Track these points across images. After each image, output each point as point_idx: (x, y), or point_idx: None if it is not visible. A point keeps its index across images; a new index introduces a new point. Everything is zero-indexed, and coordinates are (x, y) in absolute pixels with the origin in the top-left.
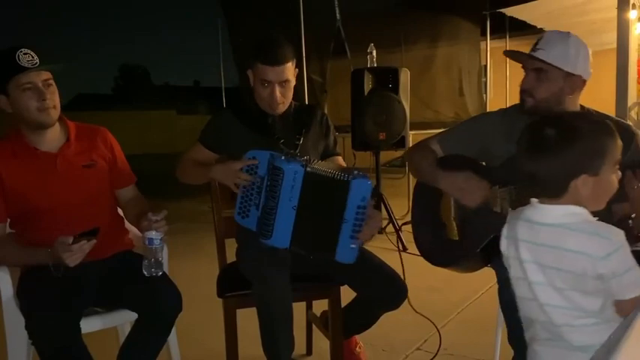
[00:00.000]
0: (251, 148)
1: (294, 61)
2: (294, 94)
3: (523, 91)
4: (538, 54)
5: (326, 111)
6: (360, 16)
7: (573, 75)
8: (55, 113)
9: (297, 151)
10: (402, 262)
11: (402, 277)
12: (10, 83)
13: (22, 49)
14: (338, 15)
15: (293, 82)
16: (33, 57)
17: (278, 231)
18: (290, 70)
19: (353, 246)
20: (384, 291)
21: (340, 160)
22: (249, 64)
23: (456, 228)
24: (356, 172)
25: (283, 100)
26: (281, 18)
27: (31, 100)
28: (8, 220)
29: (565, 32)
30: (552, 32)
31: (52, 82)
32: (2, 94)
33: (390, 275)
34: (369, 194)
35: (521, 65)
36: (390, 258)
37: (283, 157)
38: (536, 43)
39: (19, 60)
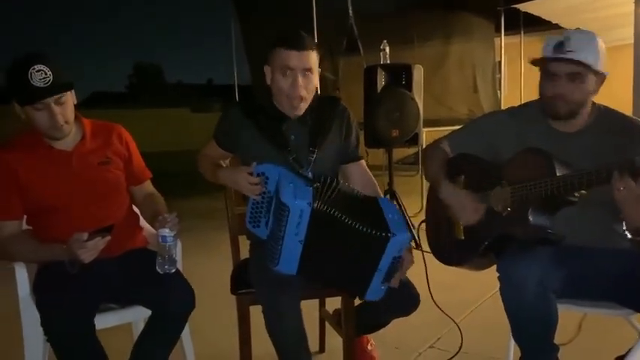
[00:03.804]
0: (260, 155)
1: (317, 52)
2: None
3: (556, 97)
4: (574, 56)
5: None
6: (372, 13)
7: (601, 74)
8: (68, 128)
9: (310, 167)
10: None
11: (413, 283)
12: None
13: (35, 66)
14: (350, 12)
15: (315, 77)
16: (46, 74)
17: (284, 260)
18: (314, 59)
19: (383, 287)
20: (396, 298)
21: (363, 164)
22: (267, 57)
23: (461, 227)
24: (390, 216)
25: (305, 93)
26: (293, 15)
27: (43, 118)
28: (24, 216)
29: (588, 31)
30: (576, 32)
31: (65, 98)
32: (16, 103)
33: (402, 282)
34: (406, 245)
35: (539, 68)
36: None
37: (291, 185)
38: (560, 46)
39: (32, 79)
